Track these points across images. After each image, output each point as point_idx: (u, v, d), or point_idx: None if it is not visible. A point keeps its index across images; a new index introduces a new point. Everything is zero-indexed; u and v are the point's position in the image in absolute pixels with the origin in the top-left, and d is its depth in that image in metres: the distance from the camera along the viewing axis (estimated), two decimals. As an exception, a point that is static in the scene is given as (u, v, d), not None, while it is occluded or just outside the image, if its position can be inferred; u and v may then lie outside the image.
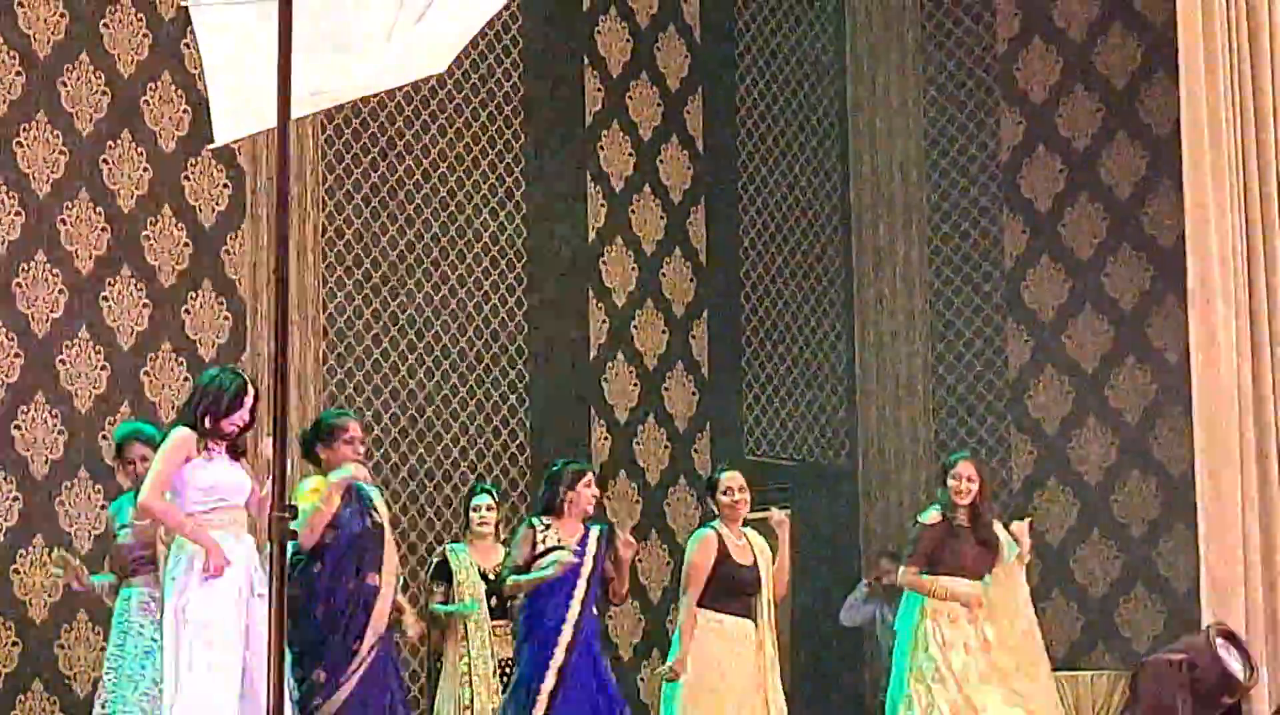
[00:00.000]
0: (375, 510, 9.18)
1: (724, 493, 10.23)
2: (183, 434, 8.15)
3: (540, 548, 9.91)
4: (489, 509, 10.19)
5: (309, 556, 8.53)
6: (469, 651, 9.85)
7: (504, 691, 9.89)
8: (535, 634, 9.89)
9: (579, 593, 9.89)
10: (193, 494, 8.09)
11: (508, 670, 9.91)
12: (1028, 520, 10.84)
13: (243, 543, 8.18)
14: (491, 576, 10.00)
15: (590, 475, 10.22)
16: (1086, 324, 13.76)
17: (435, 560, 10.14)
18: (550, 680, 9.82)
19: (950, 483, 10.55)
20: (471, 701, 9.82)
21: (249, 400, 8.12)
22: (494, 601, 9.98)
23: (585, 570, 9.97)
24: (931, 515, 10.57)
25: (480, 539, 10.15)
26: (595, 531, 10.09)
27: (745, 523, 10.36)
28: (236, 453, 8.23)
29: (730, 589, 10.12)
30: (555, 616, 9.86)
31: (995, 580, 10.49)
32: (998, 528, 10.69)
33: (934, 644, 10.36)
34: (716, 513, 10.26)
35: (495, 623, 9.97)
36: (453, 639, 9.89)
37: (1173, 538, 13.23)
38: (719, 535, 10.14)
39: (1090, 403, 13.67)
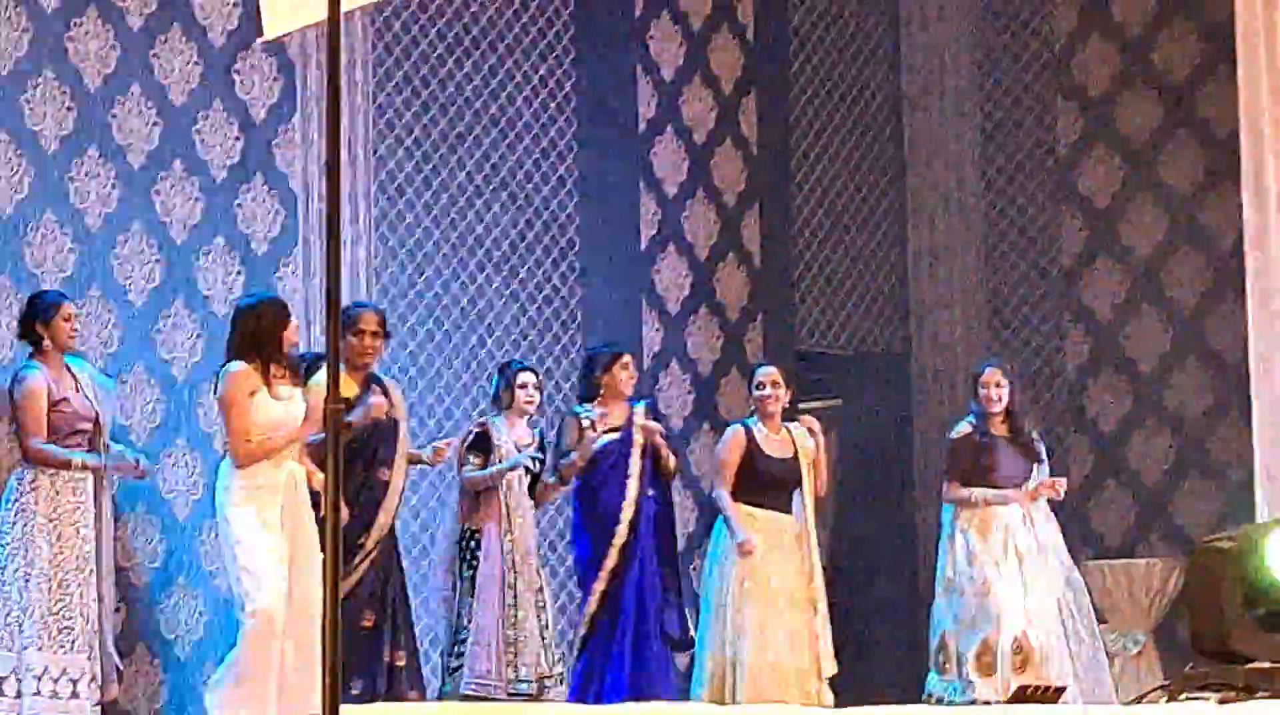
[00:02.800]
0: (393, 404, 9.19)
1: (757, 387, 10.41)
2: (240, 370, 8.23)
3: (589, 433, 9.97)
4: (535, 387, 10.07)
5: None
6: (511, 530, 9.78)
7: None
8: (595, 515, 9.97)
9: (634, 469, 9.98)
10: (258, 429, 8.21)
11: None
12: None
13: (283, 469, 8.27)
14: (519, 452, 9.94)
15: (627, 357, 10.27)
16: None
17: (474, 431, 10.01)
18: (613, 558, 9.89)
19: (980, 392, 10.62)
20: (515, 583, 9.77)
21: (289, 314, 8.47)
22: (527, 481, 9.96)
23: (637, 447, 10.05)
24: (961, 428, 10.68)
25: (521, 416, 10.04)
26: (641, 408, 10.18)
27: (788, 417, 10.49)
28: (297, 379, 8.34)
29: (762, 483, 10.23)
30: (615, 496, 9.94)
31: None
32: (1035, 436, 10.75)
33: (962, 557, 10.48)
34: (753, 408, 10.40)
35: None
36: (494, 518, 9.80)
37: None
38: (747, 430, 10.29)
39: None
